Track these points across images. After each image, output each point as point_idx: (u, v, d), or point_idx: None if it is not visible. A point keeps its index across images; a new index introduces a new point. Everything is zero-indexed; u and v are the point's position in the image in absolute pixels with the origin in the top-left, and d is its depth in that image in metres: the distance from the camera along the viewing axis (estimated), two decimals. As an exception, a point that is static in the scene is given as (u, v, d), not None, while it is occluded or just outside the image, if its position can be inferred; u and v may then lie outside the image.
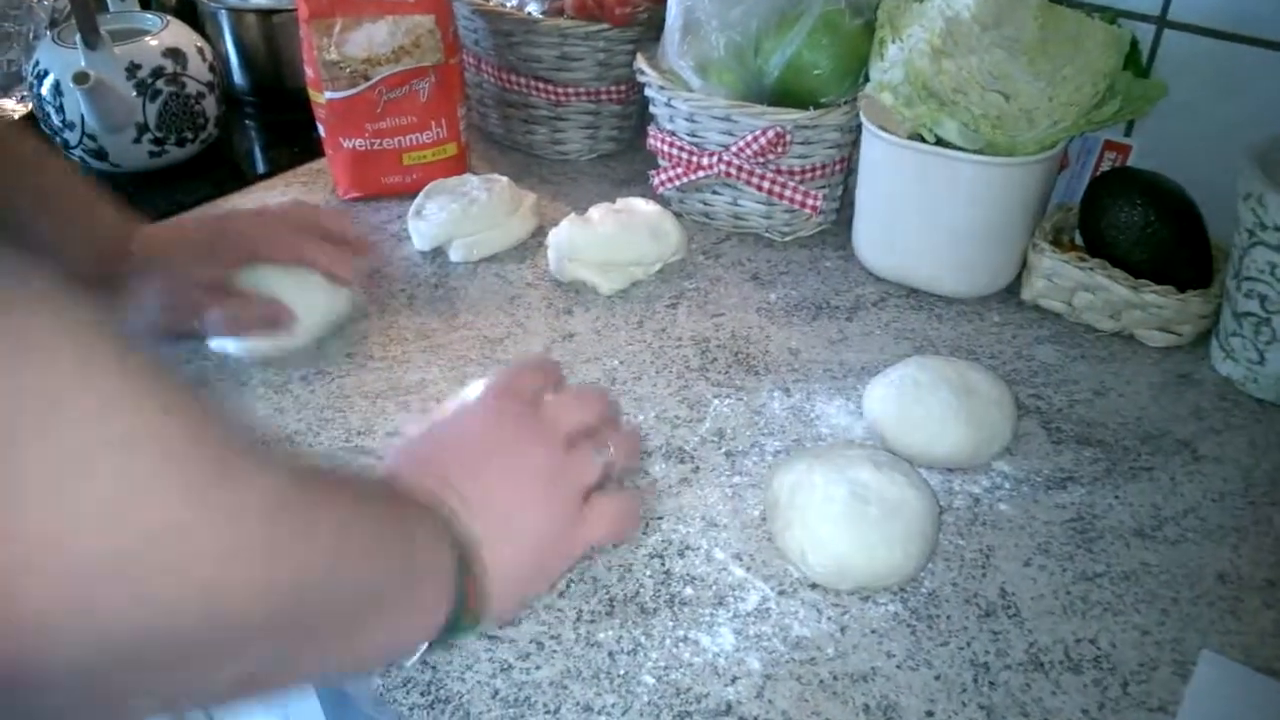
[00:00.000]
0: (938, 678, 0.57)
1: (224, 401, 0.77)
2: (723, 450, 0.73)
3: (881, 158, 0.87)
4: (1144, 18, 0.89)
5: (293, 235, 0.80)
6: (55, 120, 1.05)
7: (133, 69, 1.04)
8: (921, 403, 0.71)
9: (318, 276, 0.81)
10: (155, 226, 0.80)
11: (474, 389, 0.59)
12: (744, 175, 0.94)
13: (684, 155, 0.97)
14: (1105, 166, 0.94)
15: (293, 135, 1.18)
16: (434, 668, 0.57)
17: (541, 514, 0.55)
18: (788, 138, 0.91)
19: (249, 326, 0.79)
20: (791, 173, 0.94)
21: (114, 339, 0.32)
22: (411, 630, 0.48)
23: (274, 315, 0.78)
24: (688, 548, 0.65)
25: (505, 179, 0.98)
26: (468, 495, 0.51)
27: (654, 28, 1.01)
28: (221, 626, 0.35)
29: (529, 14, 1.06)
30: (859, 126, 0.89)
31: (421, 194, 0.98)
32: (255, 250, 0.79)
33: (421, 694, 0.56)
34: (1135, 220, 0.83)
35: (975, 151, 0.81)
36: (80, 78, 0.98)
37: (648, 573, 0.63)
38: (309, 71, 0.99)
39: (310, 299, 0.81)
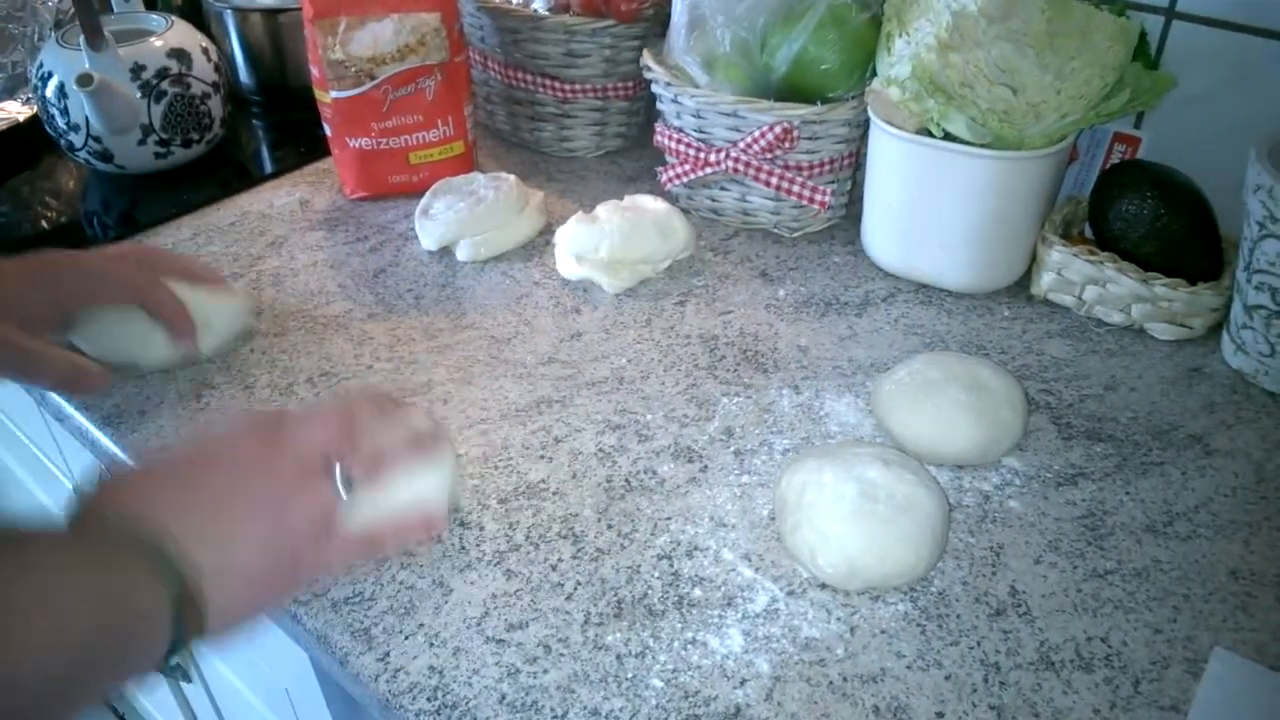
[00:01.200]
0: (948, 678, 0.57)
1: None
2: (731, 449, 0.73)
3: (889, 153, 0.86)
4: (1153, 9, 0.88)
5: (128, 277, 0.76)
6: (60, 122, 1.05)
7: (137, 70, 1.04)
8: (931, 400, 0.71)
9: (149, 317, 0.77)
10: None
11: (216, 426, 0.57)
12: (752, 171, 0.94)
13: (691, 152, 0.97)
14: (1115, 159, 0.94)
15: (299, 134, 1.18)
16: (440, 672, 0.57)
17: (260, 540, 0.51)
18: (795, 133, 0.90)
19: (56, 381, 0.75)
20: (799, 168, 0.94)
21: None
22: (134, 666, 0.47)
23: (71, 372, 0.73)
24: (696, 548, 0.65)
25: (513, 177, 0.98)
26: (184, 523, 0.49)
27: (660, 24, 1.01)
28: None
29: (535, 11, 1.05)
30: (867, 121, 0.88)
31: (428, 193, 0.98)
32: (87, 292, 0.75)
33: (429, 699, 0.56)
34: (1145, 213, 0.82)
35: (983, 146, 0.80)
36: (84, 80, 0.98)
37: (656, 574, 0.63)
38: (314, 71, 0.99)
39: (145, 339, 0.78)
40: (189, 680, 0.54)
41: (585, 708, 0.55)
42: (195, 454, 0.55)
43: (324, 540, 0.54)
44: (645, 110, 1.13)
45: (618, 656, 0.58)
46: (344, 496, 0.54)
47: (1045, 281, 0.87)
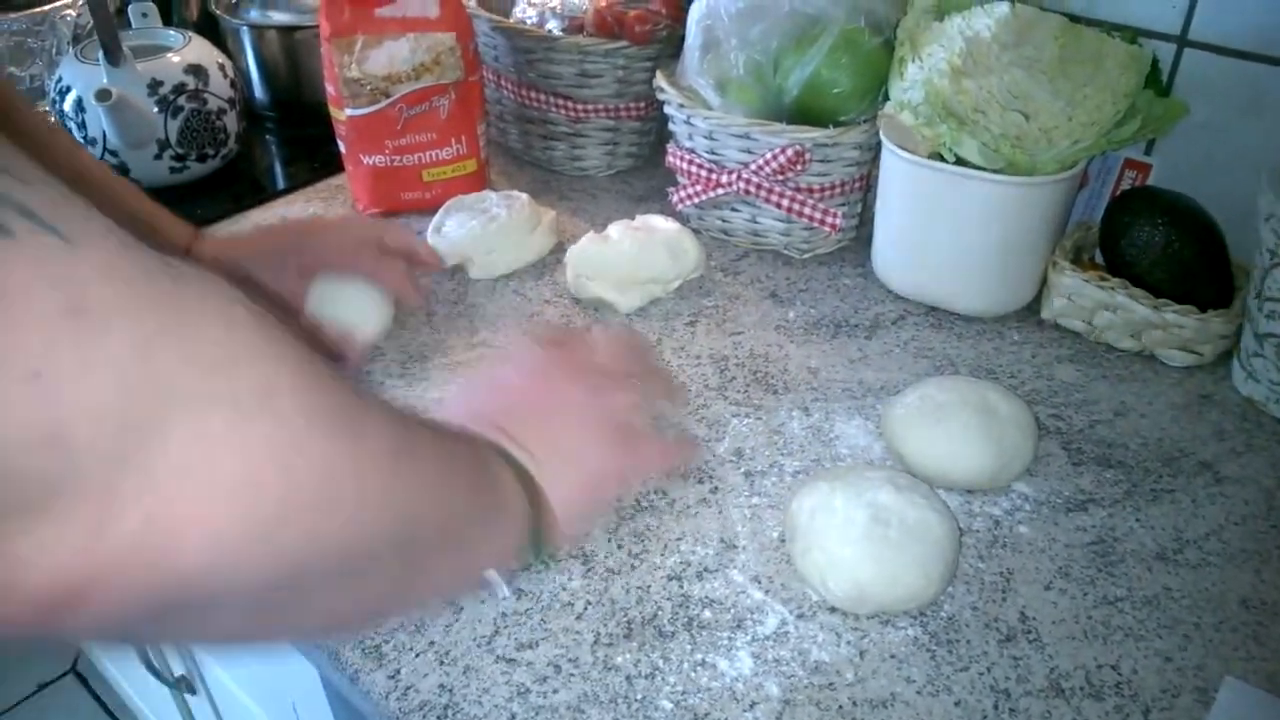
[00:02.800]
0: (958, 704, 0.57)
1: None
2: (741, 470, 0.73)
3: (901, 177, 0.87)
4: (1165, 37, 0.89)
5: (361, 248, 0.84)
6: (77, 135, 1.06)
7: (154, 85, 1.05)
8: (941, 424, 0.71)
9: (375, 289, 0.83)
10: (220, 236, 0.82)
11: (514, 345, 0.64)
12: (763, 193, 0.94)
13: (703, 173, 0.97)
14: (1126, 185, 0.94)
15: (313, 150, 1.19)
16: (450, 691, 0.57)
17: (588, 447, 0.57)
18: (807, 156, 0.91)
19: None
20: (810, 190, 0.94)
21: (251, 309, 0.34)
22: (499, 552, 0.51)
23: (341, 348, 0.80)
24: (706, 570, 0.65)
25: (525, 196, 0.99)
26: (518, 436, 0.54)
27: (673, 45, 1.02)
28: (357, 555, 0.39)
29: (549, 31, 1.06)
30: (878, 144, 0.89)
31: (441, 210, 0.99)
32: (327, 261, 0.81)
33: (438, 718, 0.56)
34: (1156, 240, 0.82)
35: (995, 171, 0.80)
36: (102, 95, 0.99)
37: (666, 595, 0.63)
38: (330, 89, 1.00)
39: (368, 312, 0.84)
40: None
41: (595, 729, 0.55)
42: (509, 375, 0.62)
43: (635, 444, 0.60)
44: (657, 131, 1.14)
45: (627, 677, 0.58)
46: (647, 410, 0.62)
47: (1056, 306, 0.87)
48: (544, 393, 0.60)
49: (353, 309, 0.82)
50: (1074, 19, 0.85)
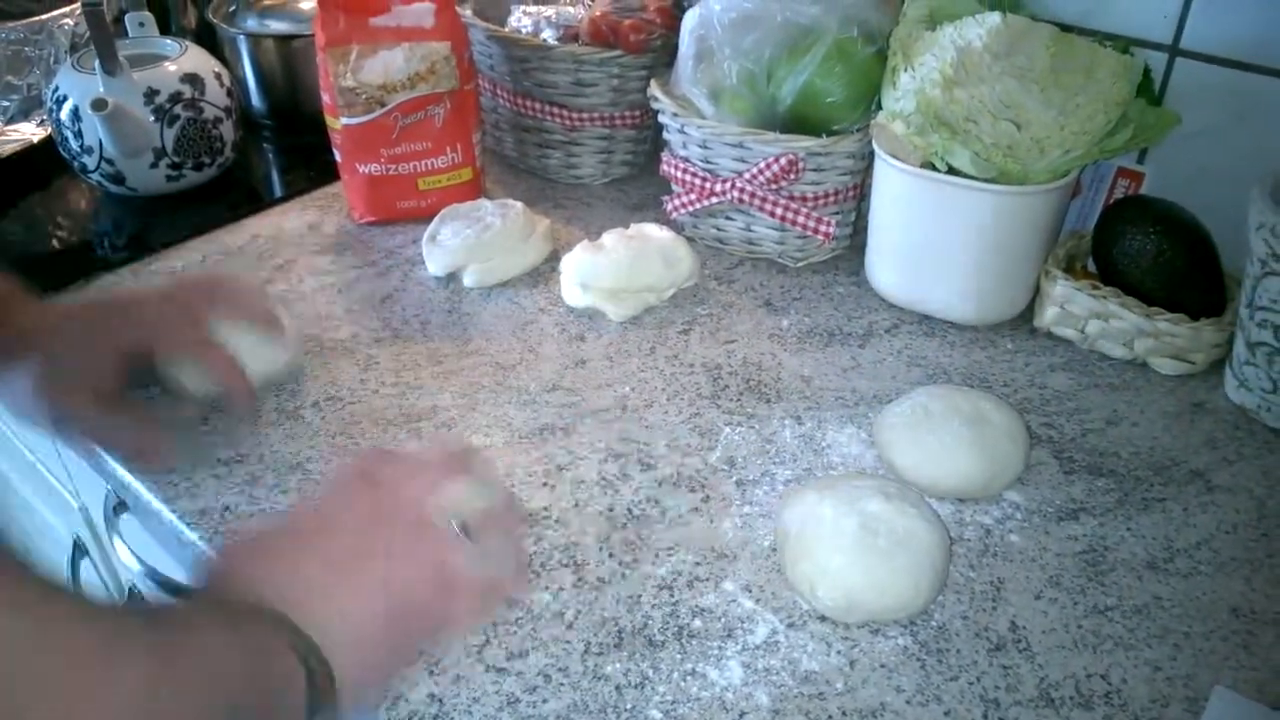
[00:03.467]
0: (948, 713, 0.57)
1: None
2: (733, 479, 0.73)
3: (894, 186, 0.87)
4: (1157, 46, 0.89)
5: (192, 327, 0.75)
6: (74, 145, 1.06)
7: (151, 94, 1.06)
8: (933, 433, 0.71)
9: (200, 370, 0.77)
10: (45, 306, 0.75)
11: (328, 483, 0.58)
12: (757, 201, 0.95)
13: (697, 181, 0.98)
14: (1118, 194, 0.94)
15: (309, 159, 1.19)
16: (440, 700, 0.57)
17: (387, 602, 0.52)
18: (800, 164, 0.91)
19: (120, 454, 0.76)
20: (804, 199, 0.94)
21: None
22: None
23: (143, 447, 0.74)
24: (697, 579, 0.65)
25: (520, 204, 0.99)
26: (305, 590, 0.50)
27: (668, 55, 1.02)
28: None
29: (544, 40, 1.06)
30: (872, 153, 0.89)
31: (436, 219, 0.99)
32: (150, 341, 0.74)
33: (430, 726, 0.56)
34: (1148, 249, 0.83)
35: (987, 180, 0.81)
36: (98, 104, 0.99)
37: (656, 604, 0.63)
38: (326, 98, 1.00)
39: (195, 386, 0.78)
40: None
41: (584, 738, 0.55)
42: (307, 521, 0.56)
43: (446, 593, 0.54)
44: (652, 139, 1.14)
45: (617, 687, 0.58)
46: (466, 542, 0.55)
47: (1048, 315, 0.88)
48: (335, 536, 0.54)
49: (202, 376, 0.77)
50: (1066, 28, 0.86)
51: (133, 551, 0.83)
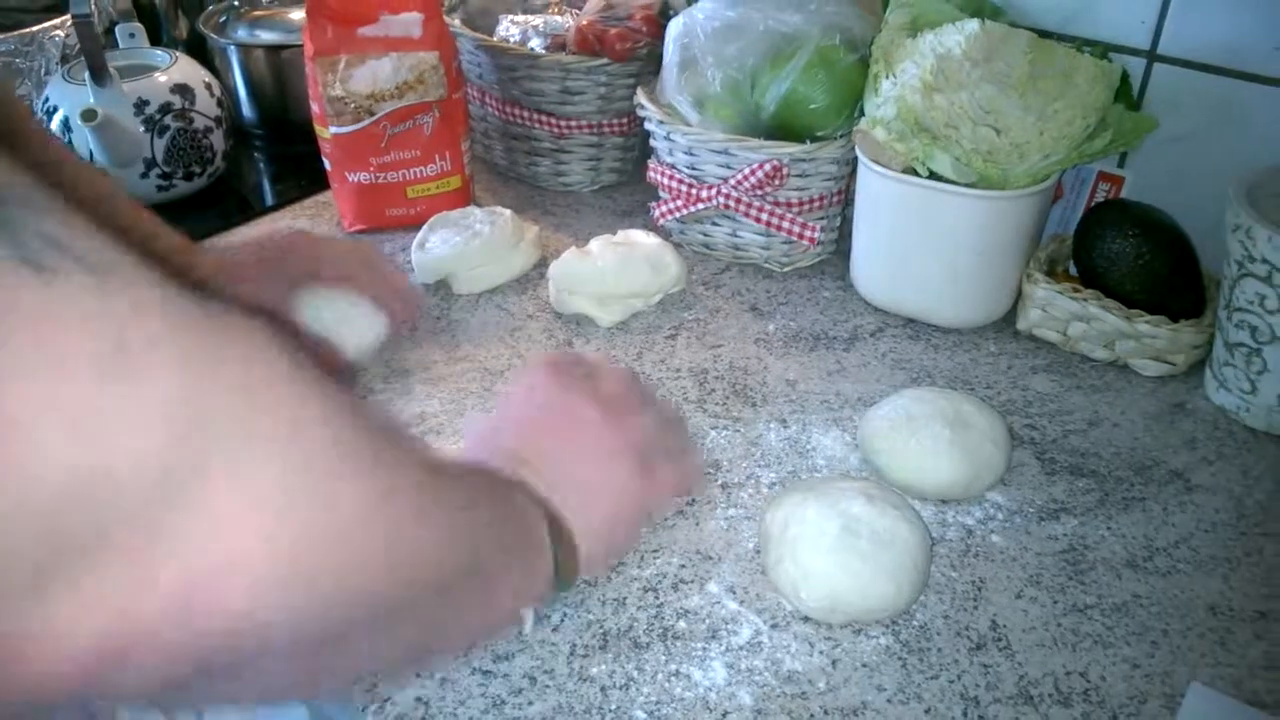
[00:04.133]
0: (928, 711, 0.58)
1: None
2: (719, 482, 0.74)
3: (877, 191, 0.88)
4: (1134, 52, 0.90)
5: (352, 263, 0.84)
6: (66, 155, 1.07)
7: (141, 105, 1.07)
8: (915, 436, 0.72)
9: (366, 304, 0.83)
10: (217, 248, 0.83)
11: (527, 375, 0.64)
12: (742, 207, 0.96)
13: (684, 188, 0.99)
14: (1099, 198, 0.95)
15: (300, 168, 1.20)
16: (426, 704, 0.58)
17: (609, 474, 0.58)
18: (785, 170, 0.92)
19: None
20: (789, 204, 0.95)
21: (284, 347, 0.34)
22: (528, 589, 0.52)
23: (330, 361, 0.80)
24: (682, 581, 0.66)
25: (508, 212, 1.00)
26: (541, 467, 0.55)
27: (654, 63, 1.03)
28: (393, 597, 0.38)
29: (531, 49, 1.07)
30: (855, 159, 0.90)
31: (425, 226, 1.00)
32: (318, 274, 0.82)
33: (417, 728, 0.57)
34: (1128, 251, 0.84)
35: (968, 185, 0.82)
36: (88, 115, 1.00)
37: (641, 606, 0.64)
38: (315, 107, 1.01)
39: (361, 325, 0.83)
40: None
41: (569, 739, 0.56)
42: (526, 406, 0.62)
43: (653, 470, 0.60)
44: (639, 146, 1.15)
45: (602, 688, 0.59)
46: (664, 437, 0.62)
47: (1031, 318, 0.89)
48: (564, 421, 0.60)
49: (344, 322, 0.83)
50: (1044, 35, 0.87)
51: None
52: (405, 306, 0.86)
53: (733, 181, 0.94)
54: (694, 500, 0.72)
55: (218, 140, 1.14)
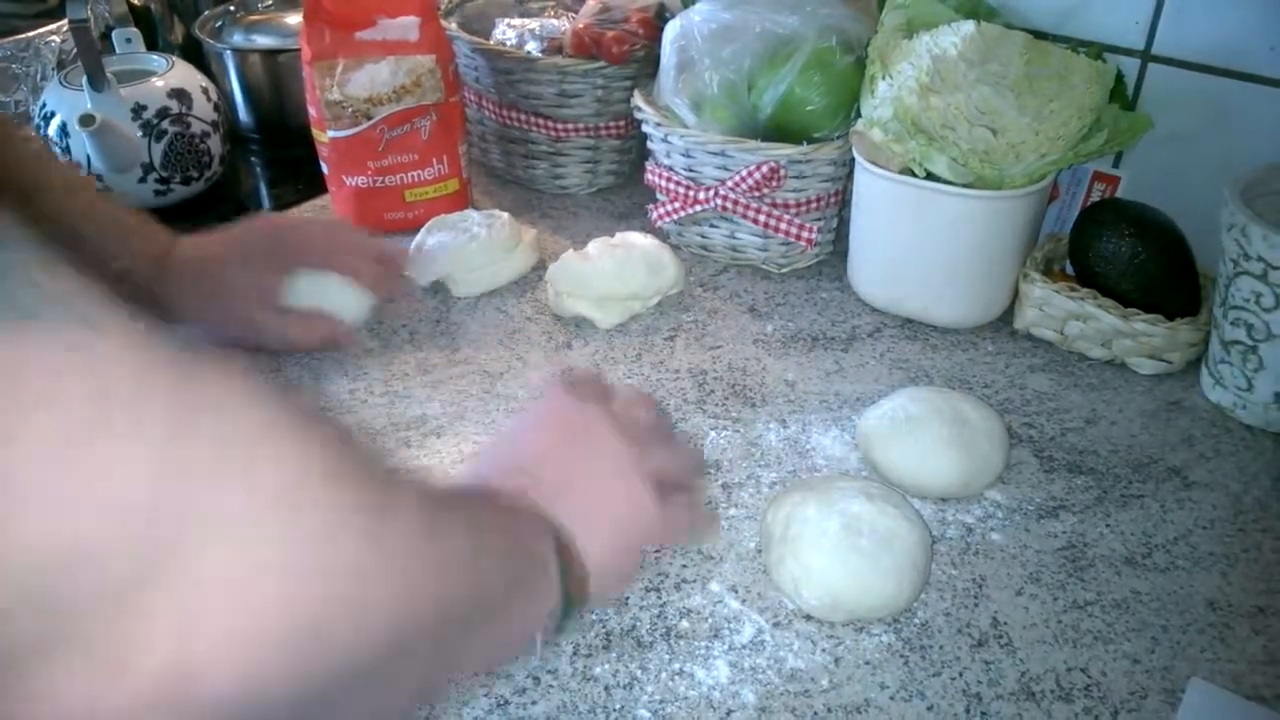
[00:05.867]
0: (930, 708, 0.58)
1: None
2: (719, 482, 0.74)
3: (874, 192, 0.88)
4: (1129, 52, 0.91)
5: (339, 246, 0.85)
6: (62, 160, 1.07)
7: (138, 110, 1.07)
8: (913, 435, 0.72)
9: (347, 283, 0.85)
10: (199, 235, 0.82)
11: (545, 394, 0.63)
12: (740, 209, 0.96)
13: (681, 190, 0.99)
14: (1095, 197, 0.96)
15: (297, 172, 1.20)
16: (430, 704, 0.58)
17: (621, 500, 0.56)
18: (782, 172, 0.92)
19: (311, 345, 0.85)
20: (787, 206, 0.96)
21: (274, 393, 0.32)
22: (535, 619, 0.50)
23: (333, 334, 0.84)
24: (684, 580, 0.66)
25: (506, 215, 1.00)
26: (551, 490, 0.54)
27: (650, 65, 1.03)
28: (393, 650, 0.37)
29: (528, 53, 1.08)
30: (852, 160, 0.90)
31: (423, 230, 1.00)
32: (304, 256, 0.83)
33: (421, 729, 0.57)
34: (1124, 251, 0.84)
35: (965, 185, 0.82)
36: (86, 120, 1.00)
37: (644, 605, 0.64)
38: (312, 111, 1.01)
39: (345, 302, 0.85)
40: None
41: (573, 738, 0.56)
42: (540, 427, 0.60)
43: (659, 505, 0.57)
44: (636, 149, 1.16)
45: (606, 687, 0.59)
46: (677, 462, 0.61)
47: (1028, 317, 0.89)
48: (578, 442, 0.58)
49: (331, 300, 0.84)
50: (1040, 36, 0.87)
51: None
52: (389, 278, 0.88)
53: (730, 183, 0.95)
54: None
55: (215, 145, 1.14)
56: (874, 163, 0.86)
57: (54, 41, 1.26)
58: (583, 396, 0.61)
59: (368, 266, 0.86)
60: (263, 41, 1.25)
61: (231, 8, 1.32)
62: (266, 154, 1.29)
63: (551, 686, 0.59)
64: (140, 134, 1.07)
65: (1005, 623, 0.64)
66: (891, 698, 0.59)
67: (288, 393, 0.32)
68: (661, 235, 1.01)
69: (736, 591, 0.65)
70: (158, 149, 1.08)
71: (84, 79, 1.04)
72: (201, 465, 0.28)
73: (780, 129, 0.93)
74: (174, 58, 1.15)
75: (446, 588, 0.40)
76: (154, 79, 1.10)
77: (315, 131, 1.03)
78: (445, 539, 0.41)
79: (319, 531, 0.32)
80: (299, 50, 1.00)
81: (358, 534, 0.34)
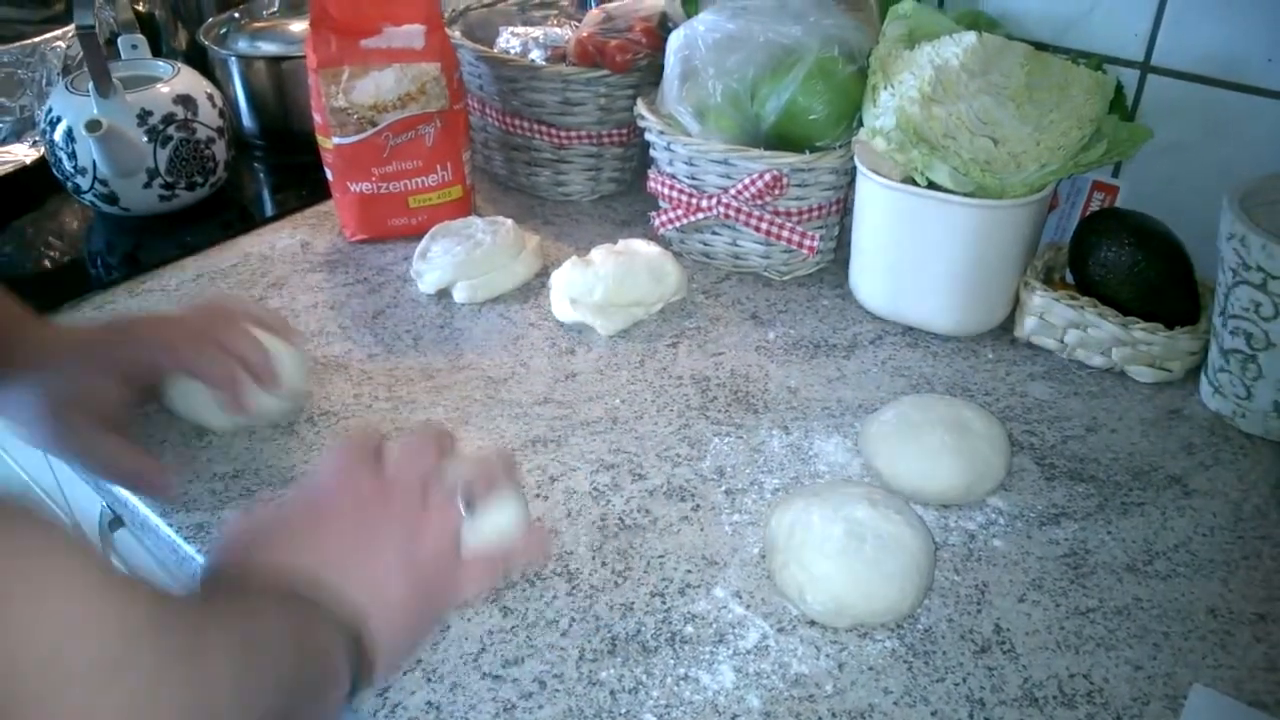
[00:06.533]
0: (934, 714, 0.59)
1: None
2: (723, 488, 0.75)
3: (876, 200, 0.89)
4: (1129, 64, 0.91)
5: (190, 343, 0.74)
6: (67, 166, 1.07)
7: (144, 116, 1.07)
8: (916, 441, 0.73)
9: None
10: (51, 326, 0.76)
11: (318, 469, 0.59)
12: (742, 217, 0.96)
13: (684, 197, 1.00)
14: (1094, 207, 0.96)
15: (301, 178, 1.20)
16: (437, 708, 0.58)
17: (405, 573, 0.54)
18: (785, 180, 0.93)
19: (120, 479, 0.75)
20: (789, 214, 0.96)
21: (91, 555, 0.33)
22: (323, 710, 0.49)
23: (142, 473, 0.73)
24: (688, 586, 0.67)
25: (510, 222, 1.00)
26: (330, 569, 0.52)
27: (654, 73, 1.04)
28: None
29: (532, 61, 1.08)
30: (854, 169, 0.91)
31: (427, 236, 1.00)
32: (153, 361, 0.74)
33: (429, 732, 0.57)
34: (1123, 259, 0.85)
35: (966, 194, 0.83)
36: (92, 125, 1.01)
37: (649, 611, 0.65)
38: (317, 118, 1.02)
39: (209, 407, 0.77)
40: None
41: (580, 742, 0.57)
42: (316, 500, 0.57)
43: (455, 565, 0.57)
44: (639, 156, 1.16)
45: (611, 692, 0.59)
46: (466, 516, 0.58)
47: (1028, 325, 0.90)
48: (352, 517, 0.55)
49: (199, 405, 0.78)
50: (1040, 47, 0.88)
51: (128, 567, 0.84)
52: (236, 399, 0.75)
53: (733, 191, 0.95)
54: (681, 496, 0.72)
55: (220, 150, 1.14)
56: (876, 171, 0.86)
57: (60, 47, 1.26)
58: (359, 459, 0.58)
59: (218, 364, 0.74)
60: (268, 48, 1.26)
61: (236, 14, 1.33)
62: (271, 160, 1.30)
63: (558, 691, 0.59)
64: (146, 139, 1.07)
65: (1008, 629, 0.64)
66: (895, 703, 0.59)
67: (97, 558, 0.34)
68: (664, 242, 1.02)
69: (741, 597, 0.66)
70: (163, 154, 1.08)
71: (90, 85, 1.04)
72: (17, 651, 0.28)
73: (783, 138, 0.94)
74: (179, 64, 1.15)
75: (248, 712, 0.40)
76: (159, 85, 1.10)
77: (320, 138, 1.04)
78: (247, 670, 0.41)
79: (142, 698, 0.33)
80: (304, 57, 1.00)
81: (179, 685, 0.35)
